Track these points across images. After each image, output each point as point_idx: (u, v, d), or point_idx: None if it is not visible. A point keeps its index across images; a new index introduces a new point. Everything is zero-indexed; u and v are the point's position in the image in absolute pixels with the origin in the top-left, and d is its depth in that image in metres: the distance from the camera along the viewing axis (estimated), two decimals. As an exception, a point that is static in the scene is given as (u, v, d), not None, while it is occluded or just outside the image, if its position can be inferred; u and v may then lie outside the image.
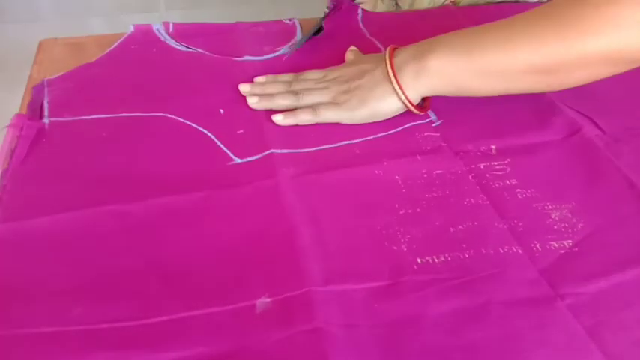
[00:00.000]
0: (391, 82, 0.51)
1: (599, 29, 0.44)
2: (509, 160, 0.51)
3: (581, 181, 0.49)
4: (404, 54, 0.52)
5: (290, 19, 0.68)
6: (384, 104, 0.52)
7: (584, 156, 0.51)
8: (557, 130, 0.54)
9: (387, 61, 0.52)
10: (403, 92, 0.51)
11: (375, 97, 0.52)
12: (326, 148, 0.51)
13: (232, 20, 0.68)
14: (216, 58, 0.61)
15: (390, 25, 0.69)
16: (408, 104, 0.52)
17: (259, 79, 0.57)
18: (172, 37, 0.63)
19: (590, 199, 0.47)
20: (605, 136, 0.53)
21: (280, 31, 0.65)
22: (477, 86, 0.50)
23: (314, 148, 0.51)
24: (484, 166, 0.50)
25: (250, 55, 0.62)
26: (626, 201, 0.47)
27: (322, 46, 0.63)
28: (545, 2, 0.75)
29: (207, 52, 0.62)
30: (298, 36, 0.65)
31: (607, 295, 0.40)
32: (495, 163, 0.50)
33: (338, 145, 0.51)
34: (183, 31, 0.64)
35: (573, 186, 0.49)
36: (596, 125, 0.54)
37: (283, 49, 0.63)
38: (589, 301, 0.40)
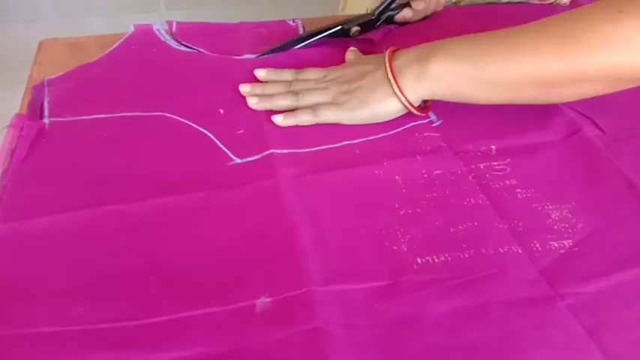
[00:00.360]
0: (391, 85, 0.51)
1: (601, 47, 0.44)
2: (509, 160, 0.51)
3: (581, 181, 0.49)
4: (405, 56, 0.52)
5: (294, 21, 0.68)
6: (384, 106, 0.52)
7: (584, 156, 0.51)
8: (557, 130, 0.54)
9: (387, 64, 0.52)
10: (403, 95, 0.51)
11: (375, 99, 0.52)
12: (326, 148, 0.51)
13: (232, 20, 0.68)
14: (216, 57, 0.61)
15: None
16: (409, 106, 0.52)
17: (260, 72, 0.57)
18: (175, 36, 0.63)
19: (591, 199, 0.47)
20: (605, 136, 0.53)
21: (283, 32, 0.65)
22: (476, 94, 0.50)
23: (314, 148, 0.51)
24: (484, 166, 0.50)
25: (251, 53, 0.62)
26: (627, 201, 0.47)
27: (322, 46, 0.63)
28: (547, 4, 0.75)
29: (207, 52, 0.62)
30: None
31: (607, 295, 0.40)
32: (495, 163, 0.50)
33: (338, 145, 0.51)
34: (186, 30, 0.64)
35: (573, 186, 0.49)
36: (596, 125, 0.54)
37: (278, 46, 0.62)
38: (589, 301, 0.40)
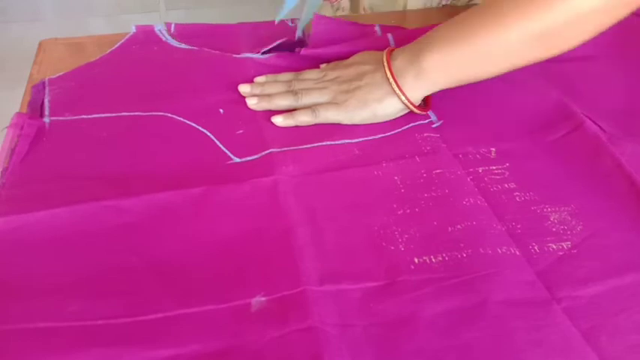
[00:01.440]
0: (390, 84, 0.51)
1: None
2: (507, 164, 0.50)
3: (582, 181, 0.49)
4: (402, 56, 0.52)
5: (292, 21, 0.68)
6: (384, 106, 0.52)
7: (586, 150, 0.51)
8: (559, 128, 0.54)
9: (386, 65, 0.52)
10: (404, 94, 0.51)
11: (376, 99, 0.52)
12: (326, 145, 0.51)
13: (232, 20, 0.68)
14: (216, 56, 0.61)
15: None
16: (410, 105, 0.52)
17: (259, 79, 0.57)
18: (174, 37, 0.63)
19: (591, 202, 0.47)
20: (606, 135, 0.53)
21: (282, 33, 0.65)
22: (477, 72, 0.51)
23: (314, 144, 0.51)
24: (482, 170, 0.50)
25: (250, 52, 0.62)
26: (629, 203, 0.47)
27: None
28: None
29: (207, 50, 0.62)
30: (298, 33, 0.65)
31: (604, 299, 0.40)
32: (494, 167, 0.50)
33: (338, 142, 0.52)
34: (184, 31, 0.64)
35: (574, 188, 0.48)
36: (599, 127, 0.54)
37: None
38: (585, 305, 0.39)
